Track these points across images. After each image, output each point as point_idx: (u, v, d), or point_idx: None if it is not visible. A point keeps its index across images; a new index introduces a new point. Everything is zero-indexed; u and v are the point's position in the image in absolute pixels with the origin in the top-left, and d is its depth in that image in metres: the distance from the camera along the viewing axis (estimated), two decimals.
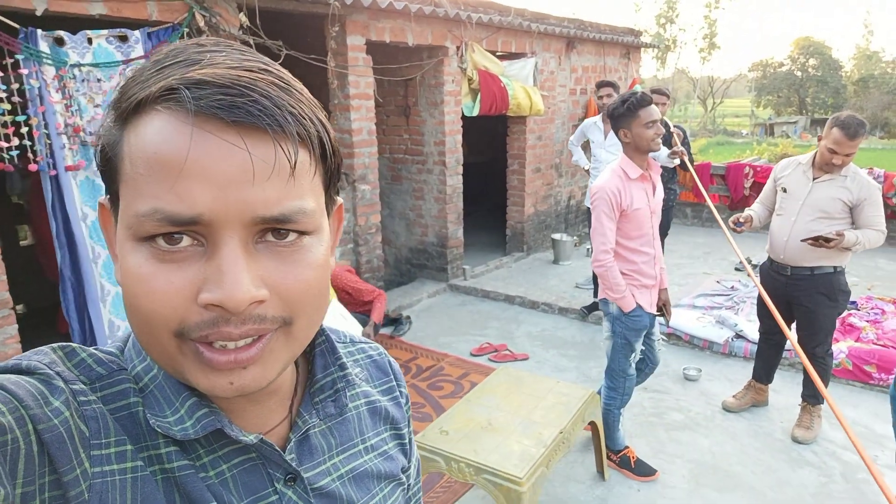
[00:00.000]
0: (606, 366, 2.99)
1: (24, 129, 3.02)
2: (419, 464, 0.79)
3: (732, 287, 5.62)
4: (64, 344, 0.51)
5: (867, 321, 4.57)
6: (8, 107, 2.97)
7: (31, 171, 3.09)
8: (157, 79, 0.45)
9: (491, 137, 8.56)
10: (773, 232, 3.29)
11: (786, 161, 3.34)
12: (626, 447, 3.07)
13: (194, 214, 0.43)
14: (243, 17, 3.69)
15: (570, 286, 5.82)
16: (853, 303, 4.98)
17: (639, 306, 2.79)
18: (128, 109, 0.45)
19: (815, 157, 3.13)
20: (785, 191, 3.24)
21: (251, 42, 3.82)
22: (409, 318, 5.03)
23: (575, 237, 6.97)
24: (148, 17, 3.44)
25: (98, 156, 0.49)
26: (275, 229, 0.47)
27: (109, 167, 0.48)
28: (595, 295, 5.03)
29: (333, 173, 0.52)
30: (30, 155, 3.04)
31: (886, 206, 6.51)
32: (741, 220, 3.32)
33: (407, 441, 0.73)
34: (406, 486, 0.73)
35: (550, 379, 3.02)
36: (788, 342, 3.55)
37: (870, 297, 5.15)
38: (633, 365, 2.93)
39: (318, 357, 0.62)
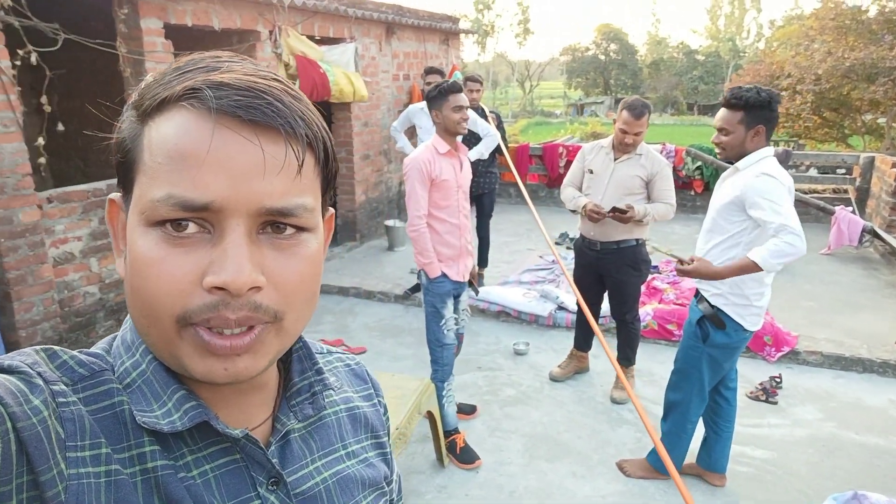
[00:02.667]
0: (426, 339, 3.12)
1: None
2: (400, 480, 0.79)
3: (553, 261, 6.01)
4: (46, 346, 0.51)
5: (668, 283, 5.14)
6: None
7: None
8: (180, 80, 0.49)
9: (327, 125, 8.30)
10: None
11: (590, 144, 3.61)
12: (456, 431, 3.14)
13: (206, 201, 0.47)
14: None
15: (406, 272, 5.84)
16: (655, 267, 5.57)
17: (443, 274, 2.99)
18: (151, 107, 0.49)
19: (614, 139, 3.41)
20: (591, 172, 3.48)
21: (17, 24, 3.25)
22: None
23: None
24: None
25: (116, 148, 0.52)
26: (275, 223, 0.50)
27: (128, 158, 0.51)
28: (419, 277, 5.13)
29: (331, 180, 0.57)
30: None
31: (677, 177, 7.39)
32: (593, 207, 3.32)
33: (388, 452, 0.73)
34: (389, 499, 0.73)
35: (385, 373, 2.98)
36: (602, 310, 3.88)
37: (668, 260, 5.79)
38: (449, 334, 3.06)
39: (294, 362, 0.63)
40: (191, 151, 0.47)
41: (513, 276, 5.60)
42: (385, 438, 0.74)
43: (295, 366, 0.64)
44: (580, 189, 3.59)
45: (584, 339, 3.91)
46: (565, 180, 3.68)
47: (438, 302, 3.02)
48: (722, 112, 2.49)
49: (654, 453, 2.91)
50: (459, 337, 3.32)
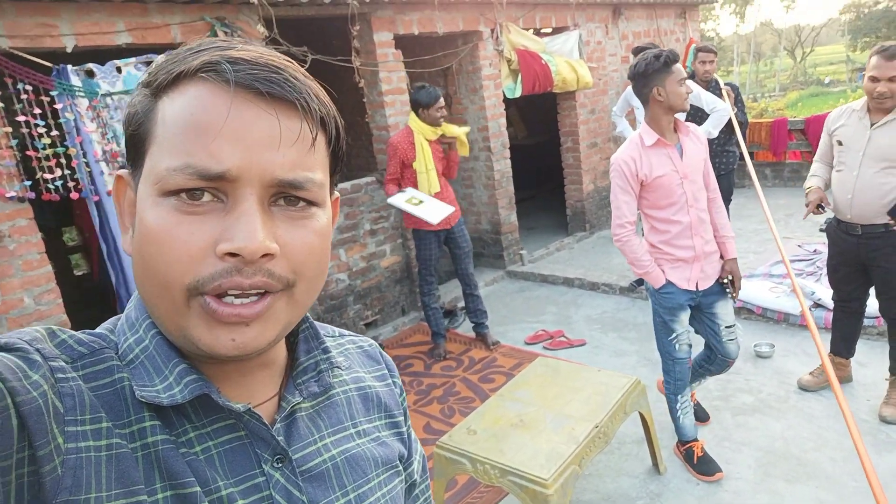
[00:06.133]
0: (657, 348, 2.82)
1: (64, 160, 3.19)
2: (424, 460, 0.78)
3: (815, 251, 5.13)
4: (46, 326, 0.52)
5: None
6: (48, 140, 3.14)
7: (75, 199, 3.26)
8: (196, 56, 0.50)
9: (551, 116, 8.30)
10: (835, 189, 2.94)
11: (839, 110, 2.98)
12: (694, 440, 2.82)
13: (223, 170, 0.48)
14: (261, 28, 3.71)
15: None
16: None
17: (669, 283, 2.59)
18: (166, 82, 0.50)
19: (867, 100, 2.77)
20: (840, 143, 2.88)
21: None
22: (464, 309, 4.94)
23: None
24: (172, 41, 3.53)
25: (127, 122, 0.53)
26: (286, 195, 0.51)
27: (139, 132, 0.52)
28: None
29: (339, 160, 0.58)
30: (70, 184, 3.20)
31: None
32: (816, 202, 2.90)
33: (405, 432, 0.73)
34: (409, 481, 0.72)
35: (590, 368, 2.84)
36: (871, 309, 3.19)
37: None
38: (682, 349, 2.69)
39: (301, 342, 0.64)
40: (208, 122, 0.48)
41: (761, 269, 4.91)
42: (400, 418, 0.72)
43: (301, 345, 0.64)
44: (831, 165, 2.99)
45: (844, 343, 3.25)
46: (816, 155, 3.11)
47: (667, 315, 2.63)
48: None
49: None
50: (729, 362, 2.81)
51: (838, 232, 3.01)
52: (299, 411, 0.61)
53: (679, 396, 2.78)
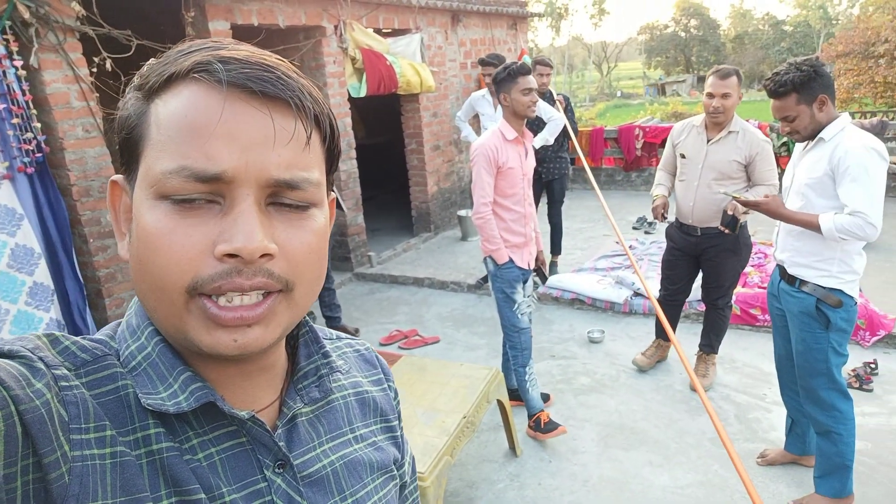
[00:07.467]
0: (501, 325, 3.09)
1: None
2: (414, 461, 0.79)
3: (630, 246, 5.79)
4: (48, 332, 0.51)
5: (752, 266, 4.82)
6: None
7: None
8: (186, 58, 0.49)
9: (390, 117, 8.38)
10: (678, 197, 3.33)
11: (681, 124, 3.37)
12: (541, 410, 3.09)
13: (218, 171, 0.47)
14: (76, 6, 3.30)
15: (479, 262, 5.79)
16: None
17: (511, 259, 2.95)
18: (157, 84, 0.49)
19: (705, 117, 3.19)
20: (683, 157, 3.27)
21: (91, 33, 3.44)
22: (311, 313, 4.84)
23: None
24: None
25: (119, 126, 0.52)
26: (282, 196, 0.51)
27: (133, 135, 0.51)
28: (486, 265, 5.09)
29: (335, 159, 0.57)
30: None
31: None
32: (661, 211, 3.35)
33: (399, 435, 0.74)
34: (400, 482, 0.73)
35: (454, 363, 2.96)
36: (689, 297, 3.67)
37: (753, 242, 5.43)
38: (524, 318, 3.02)
39: (301, 347, 0.64)
40: (202, 123, 0.48)
41: (588, 263, 5.44)
42: (396, 422, 0.74)
43: (302, 350, 0.64)
44: (674, 174, 3.40)
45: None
46: (660, 164, 3.51)
47: (508, 287, 2.98)
48: (775, 103, 2.30)
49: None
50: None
51: (679, 233, 3.41)
52: (300, 416, 0.61)
53: (527, 368, 3.05)
